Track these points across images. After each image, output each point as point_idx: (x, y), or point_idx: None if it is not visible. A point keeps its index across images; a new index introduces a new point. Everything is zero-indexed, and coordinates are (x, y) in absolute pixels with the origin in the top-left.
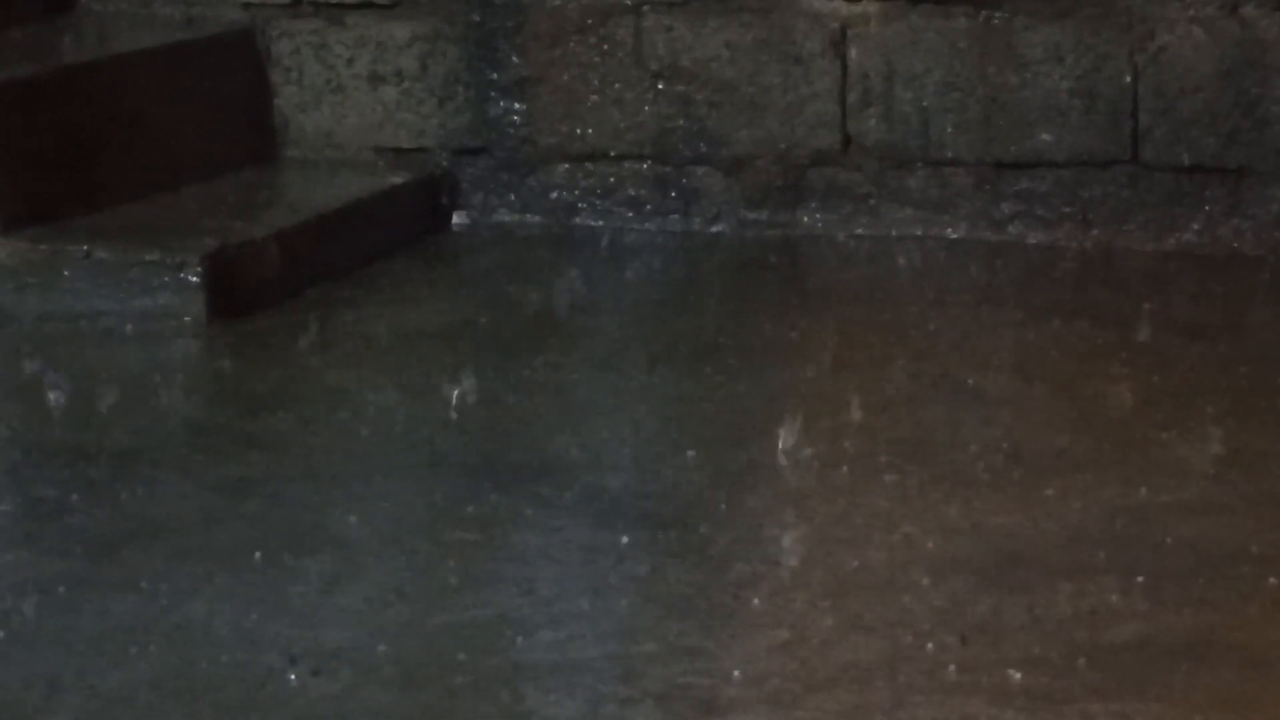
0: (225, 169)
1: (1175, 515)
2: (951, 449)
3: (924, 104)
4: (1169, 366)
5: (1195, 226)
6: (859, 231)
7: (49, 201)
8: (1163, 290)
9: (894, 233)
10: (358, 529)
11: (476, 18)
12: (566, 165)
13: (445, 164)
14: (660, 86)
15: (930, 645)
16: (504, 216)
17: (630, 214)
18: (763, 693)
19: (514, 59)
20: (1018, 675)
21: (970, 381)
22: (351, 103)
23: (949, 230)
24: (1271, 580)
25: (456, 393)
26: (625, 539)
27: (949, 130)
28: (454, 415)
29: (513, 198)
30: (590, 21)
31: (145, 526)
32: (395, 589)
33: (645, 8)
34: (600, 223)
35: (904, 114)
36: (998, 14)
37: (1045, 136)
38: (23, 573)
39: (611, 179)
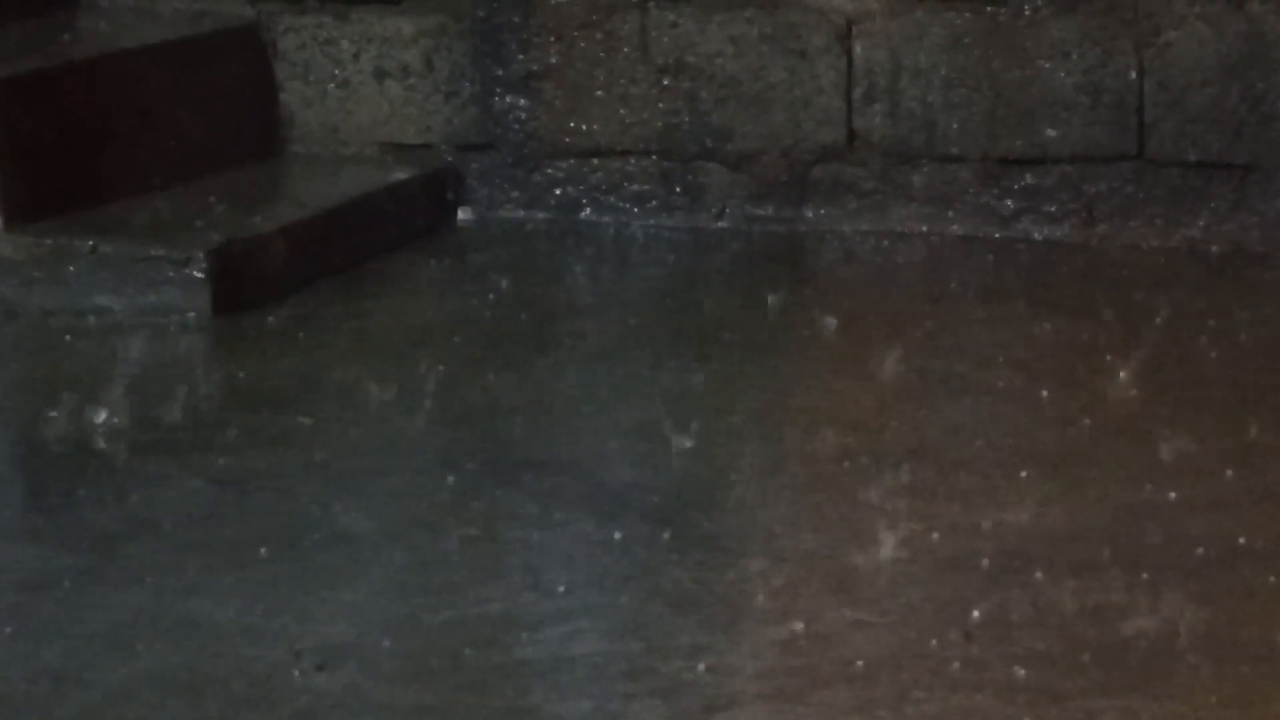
0: (231, 164)
1: (1181, 511)
2: (956, 444)
3: (929, 99)
4: (1174, 362)
5: (1201, 222)
6: (864, 227)
7: (55, 196)
8: (1168, 286)
9: (899, 228)
10: (362, 524)
11: (482, 13)
12: (572, 161)
13: (451, 159)
14: (665, 82)
15: (935, 641)
16: (509, 212)
17: (635, 209)
18: (767, 689)
19: (519, 54)
20: (1022, 671)
21: (975, 377)
22: (357, 98)
23: (954, 226)
24: (1276, 576)
25: (461, 388)
26: (629, 534)
27: (954, 126)
28: (458, 410)
29: (518, 193)
30: (595, 17)
31: (150, 521)
32: (399, 584)
33: (650, 3)
34: (605, 218)
35: (909, 109)
36: (1003, 9)
37: (1050, 132)
38: (28, 567)
39: (617, 174)
